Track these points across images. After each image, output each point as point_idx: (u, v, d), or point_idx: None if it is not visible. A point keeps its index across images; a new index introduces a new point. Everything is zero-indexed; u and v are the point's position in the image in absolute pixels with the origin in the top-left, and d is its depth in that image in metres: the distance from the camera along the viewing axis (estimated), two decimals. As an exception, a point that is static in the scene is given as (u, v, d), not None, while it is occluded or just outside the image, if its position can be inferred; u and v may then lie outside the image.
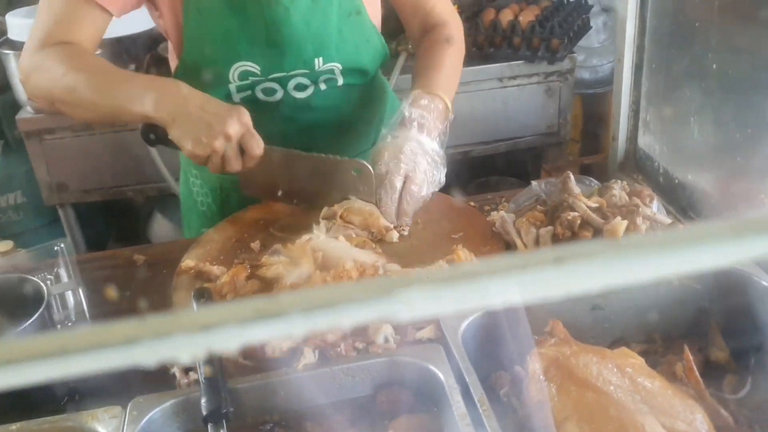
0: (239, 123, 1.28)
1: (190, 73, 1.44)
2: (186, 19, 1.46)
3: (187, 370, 1.16)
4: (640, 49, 1.61)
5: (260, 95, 1.53)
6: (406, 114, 1.45)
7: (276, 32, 1.46)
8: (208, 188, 1.69)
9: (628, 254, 0.24)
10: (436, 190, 1.47)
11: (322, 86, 1.56)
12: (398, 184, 1.41)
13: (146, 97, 1.29)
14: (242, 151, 1.32)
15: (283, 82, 1.52)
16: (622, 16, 1.61)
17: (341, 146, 1.57)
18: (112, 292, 1.35)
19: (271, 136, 1.49)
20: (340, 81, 1.57)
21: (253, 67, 1.49)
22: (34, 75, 1.40)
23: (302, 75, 1.52)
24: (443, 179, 1.47)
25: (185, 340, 0.23)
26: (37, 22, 1.43)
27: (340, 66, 1.54)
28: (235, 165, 1.31)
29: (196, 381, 1.10)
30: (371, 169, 1.41)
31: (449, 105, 1.51)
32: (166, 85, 1.33)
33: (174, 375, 1.15)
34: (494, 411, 0.98)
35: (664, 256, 0.24)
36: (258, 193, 1.50)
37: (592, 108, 3.28)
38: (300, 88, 1.54)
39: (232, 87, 1.50)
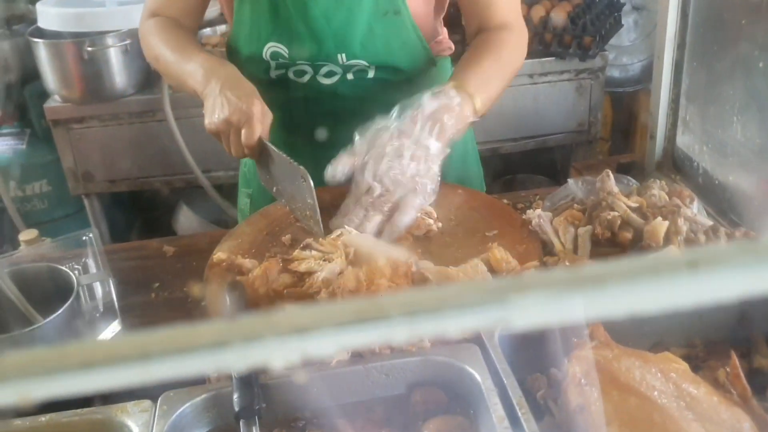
0: (241, 113, 1.34)
1: (234, 46, 1.57)
2: None
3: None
4: (680, 46, 1.57)
5: (291, 76, 1.56)
6: (423, 105, 1.37)
7: (297, 23, 1.47)
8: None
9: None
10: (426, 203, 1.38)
11: (350, 76, 1.54)
12: (377, 218, 1.35)
13: (196, 73, 1.42)
14: None
15: (314, 67, 1.53)
16: (663, 13, 1.57)
17: None
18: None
19: (296, 119, 1.59)
20: (371, 74, 1.55)
21: (282, 49, 1.51)
22: (141, 43, 1.59)
23: (331, 63, 1.52)
24: (434, 189, 1.37)
25: (279, 343, 0.20)
26: None
27: (367, 63, 1.52)
28: (237, 149, 1.38)
29: (228, 376, 1.09)
30: (311, 183, 1.34)
31: (476, 107, 1.40)
32: (214, 65, 1.43)
33: (204, 370, 1.14)
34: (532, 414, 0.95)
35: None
36: (264, 183, 1.52)
37: (622, 107, 3.25)
38: (329, 75, 1.54)
39: (272, 64, 1.55)
